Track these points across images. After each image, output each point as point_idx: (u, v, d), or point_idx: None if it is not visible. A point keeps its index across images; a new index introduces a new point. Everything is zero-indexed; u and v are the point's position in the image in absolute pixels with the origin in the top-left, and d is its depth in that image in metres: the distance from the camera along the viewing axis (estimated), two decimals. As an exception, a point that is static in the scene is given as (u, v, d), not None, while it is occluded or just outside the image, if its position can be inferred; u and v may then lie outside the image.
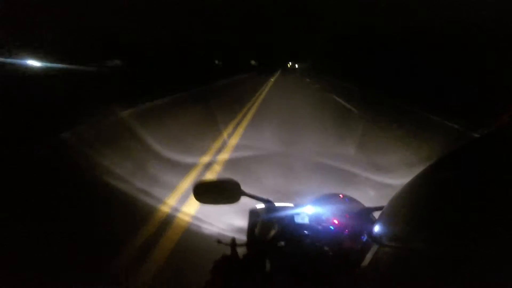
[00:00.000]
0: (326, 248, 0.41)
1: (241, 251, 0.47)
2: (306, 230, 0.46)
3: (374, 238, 0.29)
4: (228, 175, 1.03)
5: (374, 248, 0.28)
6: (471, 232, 0.17)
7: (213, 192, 0.50)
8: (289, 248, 0.43)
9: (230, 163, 1.64)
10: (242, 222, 0.97)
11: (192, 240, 0.99)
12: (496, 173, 0.19)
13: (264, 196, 0.52)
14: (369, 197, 1.29)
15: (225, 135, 2.20)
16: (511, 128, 0.22)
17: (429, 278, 0.19)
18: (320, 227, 0.46)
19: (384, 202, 0.29)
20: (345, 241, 0.41)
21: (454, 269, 0.17)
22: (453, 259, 0.17)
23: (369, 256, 0.29)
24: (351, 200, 0.51)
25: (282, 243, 0.44)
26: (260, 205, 0.55)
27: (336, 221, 0.46)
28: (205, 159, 1.69)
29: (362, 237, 0.37)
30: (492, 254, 0.16)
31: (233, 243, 0.47)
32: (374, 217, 0.45)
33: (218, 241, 0.48)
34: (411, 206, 0.25)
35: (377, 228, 0.29)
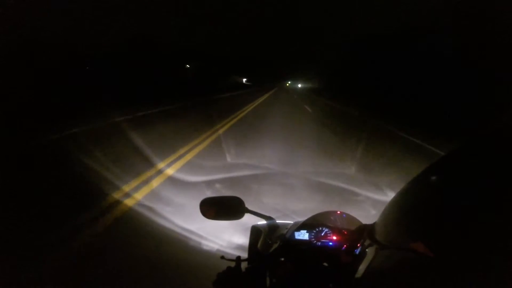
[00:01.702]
0: (325, 263, 0.60)
1: (243, 266, 0.65)
2: (306, 246, 0.66)
3: (374, 239, 0.41)
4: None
5: (374, 249, 0.40)
6: (468, 233, 0.23)
7: (218, 208, 0.74)
8: (289, 264, 0.61)
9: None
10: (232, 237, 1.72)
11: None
12: (494, 174, 0.25)
13: (266, 214, 0.75)
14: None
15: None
16: (510, 128, 0.29)
17: (427, 278, 0.26)
18: (319, 243, 0.66)
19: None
20: (343, 257, 0.59)
21: (453, 269, 0.23)
22: (451, 260, 0.23)
23: (363, 266, 0.42)
24: (349, 217, 0.72)
25: (283, 258, 0.63)
26: (262, 222, 0.78)
27: (334, 237, 0.66)
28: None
29: (355, 250, 0.56)
30: (490, 255, 0.21)
31: (238, 259, 0.65)
32: None
33: (222, 257, 0.67)
34: (410, 207, 0.34)
35: (376, 229, 0.42)
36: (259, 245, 0.75)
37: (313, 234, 0.69)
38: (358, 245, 0.58)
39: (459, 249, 0.24)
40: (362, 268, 0.45)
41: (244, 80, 57.60)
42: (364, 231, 0.64)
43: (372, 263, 0.40)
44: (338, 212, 0.74)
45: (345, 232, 0.67)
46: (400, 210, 0.37)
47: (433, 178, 0.34)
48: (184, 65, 32.31)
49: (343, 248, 0.62)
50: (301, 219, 0.74)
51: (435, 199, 0.31)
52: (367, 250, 0.52)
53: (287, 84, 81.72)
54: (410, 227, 0.33)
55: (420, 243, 0.29)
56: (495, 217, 0.23)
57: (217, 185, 2.54)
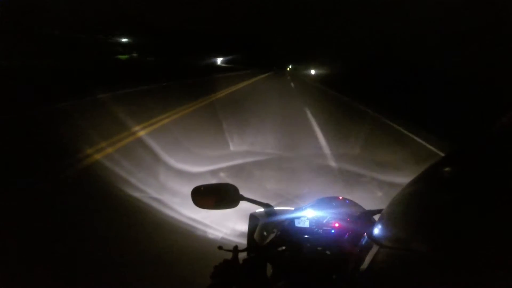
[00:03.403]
0: (327, 252, 0.76)
1: (241, 256, 0.81)
2: (307, 234, 0.83)
3: (374, 239, 0.53)
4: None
5: (374, 249, 0.51)
6: (470, 233, 0.31)
7: (211, 196, 0.93)
8: (289, 253, 0.78)
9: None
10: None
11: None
12: (496, 174, 0.33)
13: (264, 201, 0.91)
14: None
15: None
16: (511, 128, 0.37)
17: (428, 279, 0.33)
18: (320, 231, 0.83)
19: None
20: (346, 245, 0.76)
21: (454, 270, 0.30)
22: (452, 260, 0.31)
23: (369, 258, 0.52)
24: (352, 202, 0.90)
25: (283, 247, 0.80)
26: (260, 209, 0.96)
27: (337, 224, 0.83)
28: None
29: (362, 239, 0.68)
30: (491, 255, 0.28)
31: (235, 249, 0.81)
32: (375, 219, 0.84)
33: (219, 247, 0.83)
34: (411, 207, 0.44)
35: (377, 229, 0.54)
36: (256, 234, 0.93)
37: (314, 221, 0.87)
38: (365, 234, 0.69)
39: (459, 249, 0.31)
40: (365, 263, 0.56)
41: (220, 60, 55.18)
42: (367, 218, 0.84)
43: (372, 260, 0.52)
44: (340, 197, 0.93)
45: (348, 219, 0.86)
46: (401, 210, 0.49)
47: (434, 178, 0.44)
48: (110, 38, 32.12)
49: (346, 235, 0.80)
50: (302, 204, 0.92)
51: (436, 199, 0.39)
52: (371, 244, 0.61)
53: (288, 69, 78.69)
54: (410, 227, 0.42)
55: (420, 243, 0.37)
56: (497, 217, 0.30)
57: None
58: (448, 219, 0.35)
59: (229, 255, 0.83)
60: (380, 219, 0.58)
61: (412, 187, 0.49)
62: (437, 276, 0.34)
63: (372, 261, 0.52)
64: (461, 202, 0.35)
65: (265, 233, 0.92)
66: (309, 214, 0.91)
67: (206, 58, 46.75)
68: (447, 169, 0.45)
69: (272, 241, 0.86)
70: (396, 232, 0.49)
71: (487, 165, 0.36)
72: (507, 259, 0.27)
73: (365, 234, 0.71)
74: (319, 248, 0.80)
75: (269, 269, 0.82)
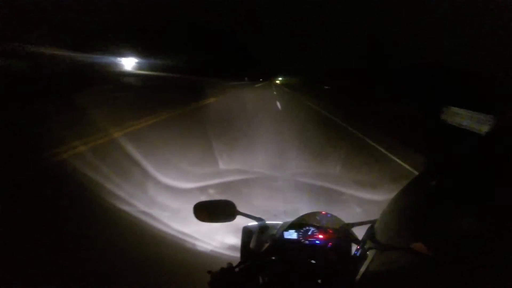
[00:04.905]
0: (312, 260, 0.93)
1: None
2: (294, 245, 1.00)
3: (374, 241, 0.67)
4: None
5: (373, 251, 0.65)
6: (467, 233, 0.35)
7: (211, 211, 1.07)
8: (280, 262, 0.92)
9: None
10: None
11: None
12: (493, 175, 0.37)
13: (257, 215, 1.04)
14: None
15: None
16: (510, 129, 0.42)
17: (428, 279, 0.40)
18: (307, 242, 1.00)
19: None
20: (329, 253, 0.95)
21: (452, 270, 0.35)
22: (450, 261, 0.36)
23: (369, 259, 0.68)
24: (333, 217, 1.08)
25: (273, 257, 0.94)
26: (253, 223, 1.11)
27: (320, 236, 1.01)
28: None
29: (356, 252, 0.91)
30: (489, 255, 0.32)
31: (229, 265, 0.90)
32: (353, 231, 1.06)
33: (209, 272, 0.89)
34: (409, 209, 0.53)
35: (377, 232, 0.68)
36: (250, 245, 1.06)
37: (301, 233, 1.05)
38: (358, 247, 0.91)
39: (458, 249, 0.35)
40: (363, 268, 0.67)
41: (134, 63, 36.97)
42: (349, 230, 1.03)
43: (373, 263, 0.59)
44: (323, 212, 1.11)
45: (330, 231, 1.05)
46: (400, 212, 0.56)
47: (431, 180, 0.50)
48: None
49: (329, 245, 0.99)
50: (290, 219, 1.08)
51: (434, 200, 0.45)
52: (367, 252, 0.80)
53: (277, 82, 67.22)
54: (410, 228, 0.48)
55: (420, 243, 0.42)
56: (493, 217, 0.34)
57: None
58: (445, 220, 0.42)
59: (224, 264, 0.97)
60: (379, 220, 0.68)
61: (410, 189, 0.57)
62: (435, 275, 0.41)
63: (373, 261, 0.60)
64: (459, 203, 0.42)
65: (257, 245, 1.09)
66: (297, 227, 1.09)
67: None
68: (444, 170, 0.52)
69: (264, 252, 1.01)
70: (395, 233, 0.57)
71: (484, 166, 0.42)
72: (504, 258, 0.31)
73: (360, 244, 0.89)
74: (306, 258, 0.98)
75: (261, 278, 0.97)
